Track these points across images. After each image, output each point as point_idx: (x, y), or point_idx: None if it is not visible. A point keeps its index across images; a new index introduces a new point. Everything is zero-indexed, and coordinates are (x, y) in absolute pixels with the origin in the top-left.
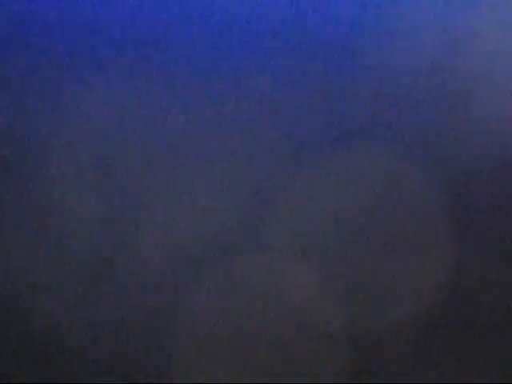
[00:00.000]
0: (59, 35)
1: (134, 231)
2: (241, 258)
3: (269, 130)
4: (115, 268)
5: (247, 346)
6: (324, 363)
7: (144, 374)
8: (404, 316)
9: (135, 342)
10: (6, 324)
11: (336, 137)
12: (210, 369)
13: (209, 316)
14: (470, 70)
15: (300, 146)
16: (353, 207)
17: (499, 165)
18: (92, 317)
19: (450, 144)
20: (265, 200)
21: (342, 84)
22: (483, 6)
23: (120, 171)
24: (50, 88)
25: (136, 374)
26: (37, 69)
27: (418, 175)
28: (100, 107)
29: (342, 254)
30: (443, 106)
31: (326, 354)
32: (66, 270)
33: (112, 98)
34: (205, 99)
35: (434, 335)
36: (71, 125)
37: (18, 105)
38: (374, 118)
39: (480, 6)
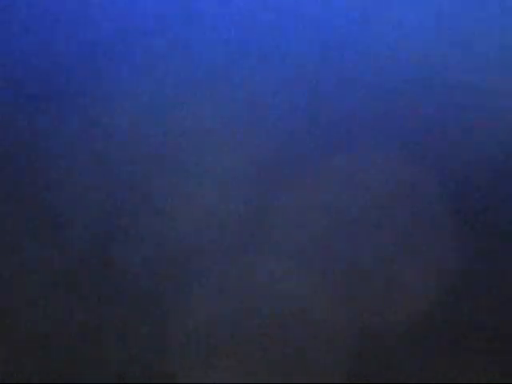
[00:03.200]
0: (64, 30)
1: (132, 229)
2: (241, 258)
3: (269, 130)
4: (115, 267)
5: (247, 346)
6: (324, 363)
7: (144, 374)
8: (405, 316)
9: (134, 341)
10: (4, 322)
11: (335, 137)
12: (209, 369)
13: (208, 316)
14: (472, 69)
15: (300, 146)
16: (353, 207)
17: (501, 163)
18: (91, 316)
19: (449, 144)
20: (265, 199)
21: (342, 84)
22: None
23: (119, 171)
24: (57, 82)
25: (136, 374)
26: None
27: (418, 175)
28: (104, 103)
29: (342, 255)
30: (444, 105)
31: (327, 353)
32: (63, 269)
33: (115, 95)
34: (205, 97)
35: (435, 335)
36: (75, 121)
37: (25, 101)
38: (374, 118)
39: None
